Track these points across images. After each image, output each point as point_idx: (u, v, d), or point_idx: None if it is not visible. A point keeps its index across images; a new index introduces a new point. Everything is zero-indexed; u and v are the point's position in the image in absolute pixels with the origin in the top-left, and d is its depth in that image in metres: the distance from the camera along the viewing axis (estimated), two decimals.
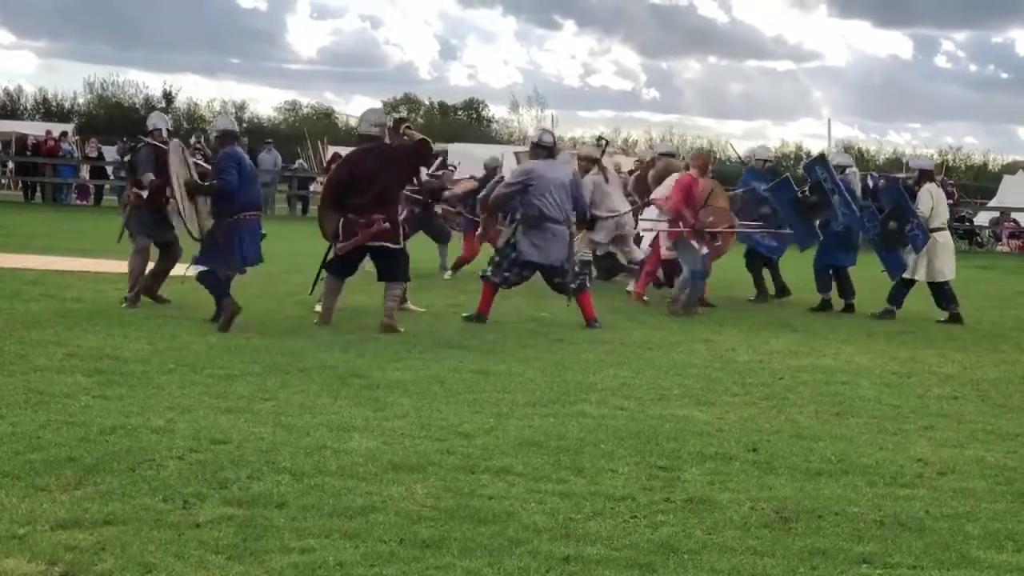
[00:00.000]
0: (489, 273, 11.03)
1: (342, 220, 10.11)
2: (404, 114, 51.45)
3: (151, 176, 10.97)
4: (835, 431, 6.94)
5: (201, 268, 9.99)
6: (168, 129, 11.64)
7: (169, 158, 10.32)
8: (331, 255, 10.46)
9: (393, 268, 10.25)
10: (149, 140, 11.36)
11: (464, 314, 11.04)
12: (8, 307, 10.34)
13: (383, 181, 10.05)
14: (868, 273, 14.21)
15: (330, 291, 10.36)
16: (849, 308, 13.46)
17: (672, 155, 15.08)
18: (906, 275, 13.02)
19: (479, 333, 10.18)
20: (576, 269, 11.35)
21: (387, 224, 10.01)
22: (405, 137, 10.40)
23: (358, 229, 9.99)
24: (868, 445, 6.60)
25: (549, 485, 5.45)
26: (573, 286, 11.06)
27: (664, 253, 13.12)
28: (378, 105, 62.80)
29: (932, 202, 12.97)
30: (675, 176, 12.91)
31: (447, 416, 6.79)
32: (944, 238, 13.08)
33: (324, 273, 10.50)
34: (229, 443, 5.91)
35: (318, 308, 10.53)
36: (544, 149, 11.33)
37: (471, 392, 7.53)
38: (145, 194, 11.18)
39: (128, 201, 11.57)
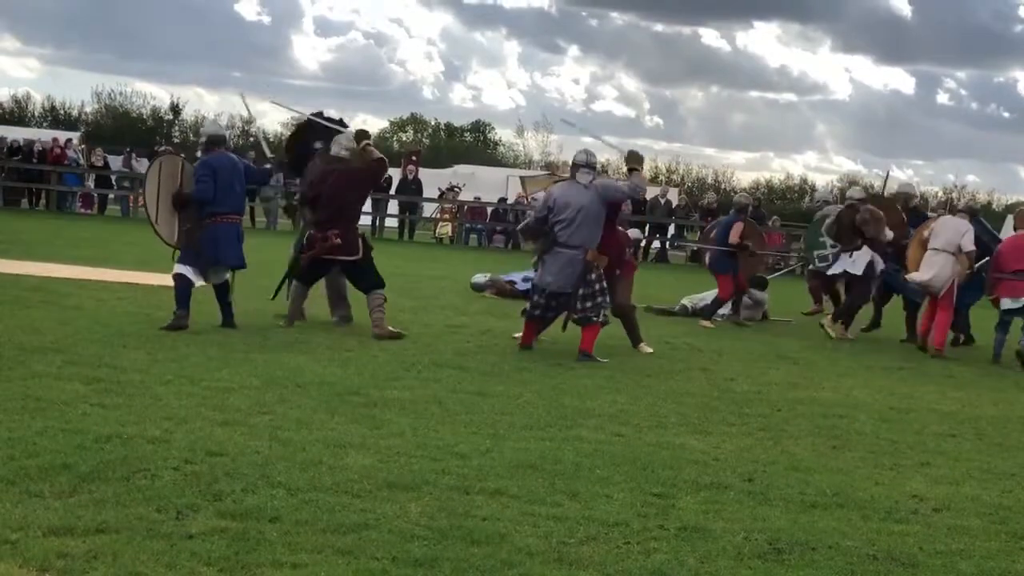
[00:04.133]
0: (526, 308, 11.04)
1: (307, 234, 11.05)
2: (365, 128, 51.60)
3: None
4: (831, 464, 6.93)
5: (179, 267, 10.39)
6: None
7: (149, 171, 10.80)
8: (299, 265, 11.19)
9: (361, 278, 11.02)
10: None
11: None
12: (8, 313, 10.34)
13: (339, 199, 10.85)
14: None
15: (297, 297, 11.18)
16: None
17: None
18: None
19: (478, 355, 10.18)
20: (590, 302, 10.53)
21: (339, 240, 10.72)
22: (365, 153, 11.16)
23: (315, 243, 10.83)
24: (864, 479, 6.59)
25: (543, 508, 5.45)
26: (576, 317, 10.62)
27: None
28: (385, 124, 63.18)
29: None
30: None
31: (443, 436, 6.78)
32: None
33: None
34: (225, 455, 5.91)
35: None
36: (573, 168, 10.87)
37: (468, 413, 7.53)
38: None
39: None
